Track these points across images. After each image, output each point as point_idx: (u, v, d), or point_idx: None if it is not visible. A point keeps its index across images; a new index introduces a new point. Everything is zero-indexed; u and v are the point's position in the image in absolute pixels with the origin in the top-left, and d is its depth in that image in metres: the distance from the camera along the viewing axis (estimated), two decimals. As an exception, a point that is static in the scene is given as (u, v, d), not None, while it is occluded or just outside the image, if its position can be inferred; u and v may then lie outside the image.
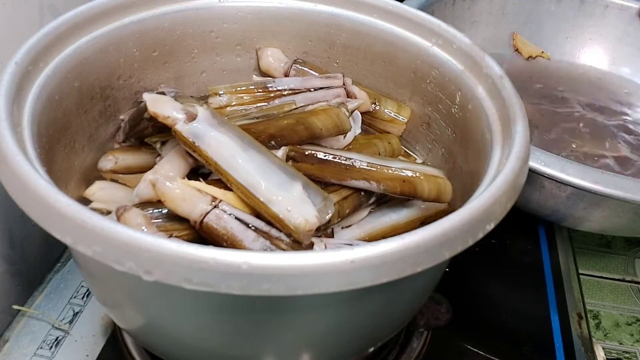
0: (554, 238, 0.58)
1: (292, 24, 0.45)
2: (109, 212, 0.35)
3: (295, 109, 0.40)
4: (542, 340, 0.48)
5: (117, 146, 0.42)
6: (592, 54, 0.76)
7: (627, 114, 0.69)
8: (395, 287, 0.27)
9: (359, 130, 0.43)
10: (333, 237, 0.36)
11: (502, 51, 0.76)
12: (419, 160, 0.46)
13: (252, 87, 0.44)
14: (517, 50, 0.76)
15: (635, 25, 0.74)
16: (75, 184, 0.38)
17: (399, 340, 0.45)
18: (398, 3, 0.43)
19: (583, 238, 0.68)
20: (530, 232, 0.58)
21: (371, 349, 0.38)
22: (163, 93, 0.37)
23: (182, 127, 0.34)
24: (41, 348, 0.43)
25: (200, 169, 0.38)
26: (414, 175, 0.37)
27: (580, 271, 0.57)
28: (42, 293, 0.47)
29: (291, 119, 0.37)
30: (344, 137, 0.40)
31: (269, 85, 0.43)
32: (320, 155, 0.37)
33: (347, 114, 0.39)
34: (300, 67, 0.45)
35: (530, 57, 0.76)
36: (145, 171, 0.37)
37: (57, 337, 0.44)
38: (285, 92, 0.43)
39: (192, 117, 0.34)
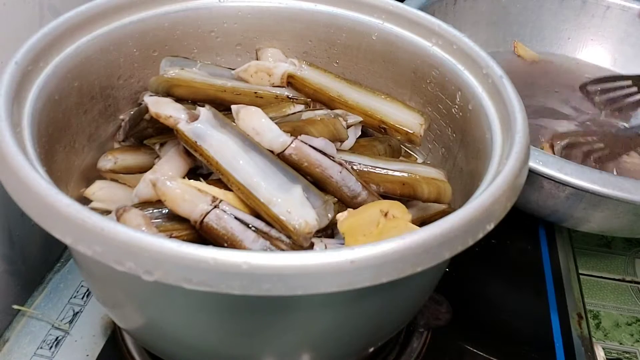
0: (554, 238, 0.58)
1: (292, 24, 0.45)
2: (108, 212, 0.35)
3: (292, 114, 0.40)
4: (542, 340, 0.48)
5: (117, 146, 0.42)
6: (594, 55, 0.76)
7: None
8: (395, 287, 0.27)
9: (359, 133, 0.43)
10: (333, 237, 0.36)
11: (504, 51, 0.76)
12: (419, 160, 0.46)
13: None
14: (518, 57, 0.76)
15: (637, 26, 0.74)
16: (75, 183, 0.38)
17: (399, 340, 0.45)
18: (398, 3, 0.43)
19: (583, 238, 0.68)
20: (530, 232, 0.58)
21: (371, 349, 0.38)
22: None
23: (184, 127, 0.34)
24: (41, 348, 0.43)
25: (199, 169, 0.38)
26: (414, 178, 0.37)
27: (580, 271, 0.57)
28: (42, 293, 0.47)
29: (287, 127, 0.37)
30: (341, 144, 0.40)
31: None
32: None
33: (344, 124, 0.39)
34: (300, 67, 0.45)
35: (534, 61, 0.76)
36: (145, 171, 0.37)
37: (57, 337, 0.44)
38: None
39: (194, 118, 0.34)
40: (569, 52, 0.77)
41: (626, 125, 0.67)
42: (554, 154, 0.61)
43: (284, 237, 0.32)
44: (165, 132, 0.39)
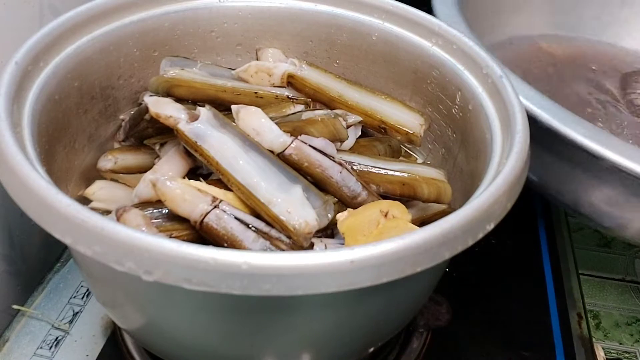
0: (554, 238, 0.58)
1: (293, 24, 0.45)
2: (108, 212, 0.35)
3: (292, 114, 0.40)
4: (542, 340, 0.48)
5: (117, 145, 0.42)
6: (629, 36, 0.70)
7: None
8: (395, 287, 0.27)
9: (359, 133, 0.43)
10: (333, 237, 0.36)
11: (538, 35, 0.71)
12: (419, 160, 0.46)
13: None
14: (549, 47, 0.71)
15: None
16: (75, 183, 0.38)
17: (399, 340, 0.45)
18: (398, 3, 0.43)
19: (583, 238, 0.68)
20: (530, 232, 0.58)
21: (371, 349, 0.38)
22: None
23: (184, 127, 0.34)
24: (41, 348, 0.43)
25: (199, 169, 0.38)
26: (414, 178, 0.37)
27: (580, 271, 0.57)
28: (42, 293, 0.47)
29: (287, 127, 0.37)
30: (341, 144, 0.40)
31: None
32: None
33: (344, 124, 0.39)
34: (300, 67, 0.45)
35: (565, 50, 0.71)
36: (145, 171, 0.37)
37: (57, 337, 0.44)
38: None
39: (194, 118, 0.34)
40: (608, 38, 0.71)
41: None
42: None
43: (284, 237, 0.32)
44: (165, 132, 0.39)
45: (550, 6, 0.72)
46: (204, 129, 0.34)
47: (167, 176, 0.34)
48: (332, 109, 0.42)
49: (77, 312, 0.46)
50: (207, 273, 0.24)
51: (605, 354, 0.48)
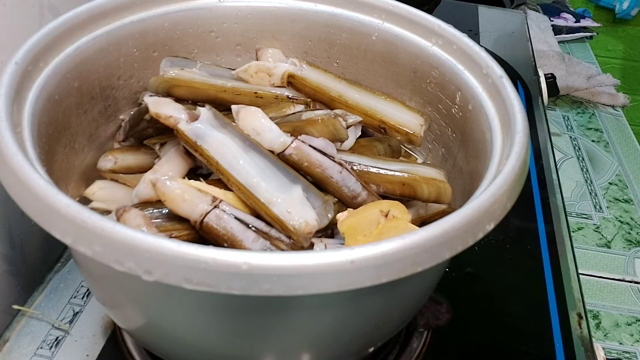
0: (554, 238, 0.58)
1: (292, 24, 0.45)
2: (108, 212, 0.35)
3: (292, 114, 0.40)
4: (542, 340, 0.48)
5: (117, 145, 0.42)
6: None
7: None
8: (395, 287, 0.27)
9: (359, 133, 0.43)
10: (333, 237, 0.36)
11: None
12: (419, 160, 0.46)
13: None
14: None
15: None
16: (75, 183, 0.38)
17: (399, 340, 0.45)
18: (398, 3, 0.43)
19: (583, 238, 0.68)
20: (530, 232, 0.58)
21: (371, 349, 0.38)
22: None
23: (184, 127, 0.34)
24: (41, 348, 0.43)
25: (199, 170, 0.38)
26: (414, 178, 0.37)
27: (580, 271, 0.57)
28: (42, 293, 0.47)
29: (287, 127, 0.37)
30: (341, 144, 0.40)
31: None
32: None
33: (344, 124, 0.39)
34: (300, 67, 0.45)
35: None
36: (145, 171, 0.37)
37: (57, 337, 0.44)
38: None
39: (194, 118, 0.34)
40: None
41: None
42: None
43: (284, 237, 0.32)
44: (165, 132, 0.39)
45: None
46: (204, 129, 0.34)
47: (167, 176, 0.34)
48: (332, 109, 0.42)
49: (77, 312, 0.46)
50: (207, 273, 0.24)
51: (605, 354, 0.48)
